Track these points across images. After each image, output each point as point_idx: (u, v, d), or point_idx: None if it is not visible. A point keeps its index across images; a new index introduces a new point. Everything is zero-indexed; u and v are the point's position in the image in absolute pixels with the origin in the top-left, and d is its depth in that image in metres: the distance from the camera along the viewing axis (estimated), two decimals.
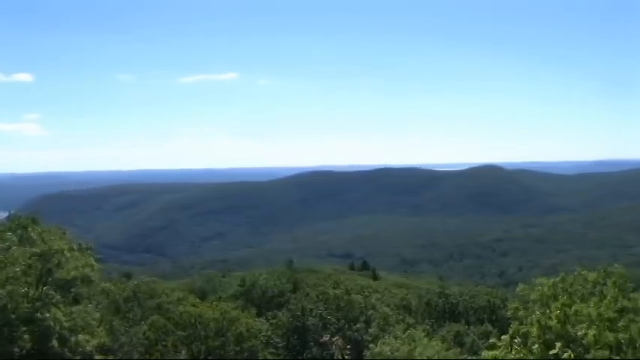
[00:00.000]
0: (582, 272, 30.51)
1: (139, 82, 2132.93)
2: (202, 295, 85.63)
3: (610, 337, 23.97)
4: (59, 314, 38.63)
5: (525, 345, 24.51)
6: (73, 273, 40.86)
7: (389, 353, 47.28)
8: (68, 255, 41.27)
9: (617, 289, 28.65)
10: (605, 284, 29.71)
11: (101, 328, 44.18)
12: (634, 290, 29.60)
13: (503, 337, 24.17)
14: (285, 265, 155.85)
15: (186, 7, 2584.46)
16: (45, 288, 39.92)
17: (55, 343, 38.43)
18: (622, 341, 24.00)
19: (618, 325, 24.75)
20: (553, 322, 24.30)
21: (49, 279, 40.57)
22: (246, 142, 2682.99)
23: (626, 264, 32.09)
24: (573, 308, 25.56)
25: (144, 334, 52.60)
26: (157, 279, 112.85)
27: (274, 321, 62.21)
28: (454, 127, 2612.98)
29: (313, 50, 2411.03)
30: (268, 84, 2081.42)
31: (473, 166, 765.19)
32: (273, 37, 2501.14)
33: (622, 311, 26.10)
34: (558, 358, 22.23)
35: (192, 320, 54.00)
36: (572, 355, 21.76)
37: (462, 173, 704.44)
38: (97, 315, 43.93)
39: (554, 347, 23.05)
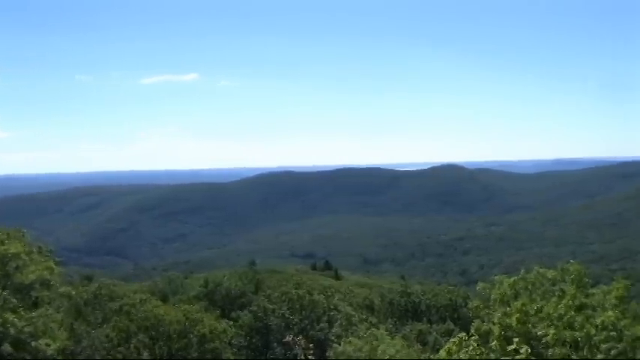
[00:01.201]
0: (541, 270, 30.83)
1: (99, 83, 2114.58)
2: (164, 297, 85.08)
3: (568, 335, 24.25)
4: (11, 318, 38.03)
5: (487, 343, 24.71)
6: (32, 277, 40.43)
7: (352, 352, 47.39)
8: (27, 258, 40.82)
9: (575, 287, 29.02)
10: (563, 281, 30.05)
11: (62, 332, 43.75)
12: (593, 286, 29.99)
13: (460, 335, 24.35)
14: (248, 266, 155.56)
15: (146, 8, 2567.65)
16: (4, 293, 39.41)
17: (7, 347, 37.92)
18: (579, 339, 24.30)
19: (576, 323, 25.07)
20: (514, 322, 24.54)
21: (8, 283, 40.08)
22: (207, 143, 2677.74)
23: (585, 261, 32.54)
24: (534, 307, 25.83)
25: (106, 336, 52.22)
26: (119, 281, 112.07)
27: (237, 322, 62.07)
28: (415, 127, 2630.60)
29: (274, 51, 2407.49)
30: (230, 85, 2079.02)
31: (434, 165, 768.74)
32: (234, 38, 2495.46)
33: (580, 308, 26.42)
34: (517, 352, 22.42)
35: (155, 322, 53.70)
36: (529, 351, 21.95)
37: (424, 173, 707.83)
38: (58, 318, 43.51)
39: (512, 343, 23.29)
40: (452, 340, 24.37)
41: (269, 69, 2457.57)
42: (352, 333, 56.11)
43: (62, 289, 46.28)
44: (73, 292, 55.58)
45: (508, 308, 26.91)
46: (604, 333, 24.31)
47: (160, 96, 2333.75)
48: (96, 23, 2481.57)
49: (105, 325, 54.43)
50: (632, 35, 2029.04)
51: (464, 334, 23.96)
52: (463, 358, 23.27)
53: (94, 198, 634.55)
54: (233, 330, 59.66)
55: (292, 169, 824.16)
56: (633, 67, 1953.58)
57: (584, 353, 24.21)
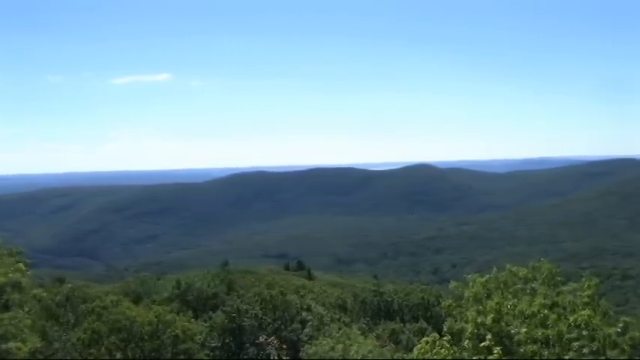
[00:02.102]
0: (513, 269, 31.03)
1: (69, 84, 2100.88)
2: (137, 298, 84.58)
3: (541, 333, 24.44)
4: None
5: (459, 341, 24.85)
6: (2, 279, 40.07)
7: (325, 352, 47.46)
8: None
9: (546, 285, 29.27)
10: (535, 280, 30.28)
11: (34, 334, 43.42)
12: (564, 284, 30.24)
13: (432, 335, 24.47)
14: (221, 267, 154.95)
15: (117, 8, 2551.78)
16: None
17: None
18: (550, 337, 24.49)
19: (548, 321, 25.26)
20: (488, 321, 24.68)
21: None
22: (180, 143, 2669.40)
23: (556, 259, 32.81)
24: (507, 305, 26.01)
25: (78, 339, 51.88)
26: (91, 283, 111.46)
27: (210, 323, 61.90)
28: (386, 126, 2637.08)
29: (247, 51, 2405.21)
30: (201, 85, 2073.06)
31: (406, 165, 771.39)
32: (207, 38, 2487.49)
33: (552, 307, 26.63)
34: (490, 351, 22.57)
35: (127, 324, 53.42)
36: (501, 353, 22.13)
37: (395, 173, 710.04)
38: (29, 321, 43.16)
39: (485, 340, 23.43)
40: (424, 339, 24.49)
41: (241, 69, 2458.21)
42: (325, 333, 56.17)
43: (33, 292, 45.94)
44: (45, 294, 55.21)
45: (480, 306, 27.06)
46: (576, 331, 24.52)
47: (131, 96, 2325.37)
48: (66, 23, 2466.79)
49: (77, 328, 54.08)
50: (600, 35, 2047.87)
51: (436, 334, 24.08)
52: (436, 358, 23.40)
53: (65, 199, 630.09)
54: (206, 331, 59.49)
55: (265, 169, 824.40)
56: (603, 67, 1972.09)
57: (556, 351, 24.41)
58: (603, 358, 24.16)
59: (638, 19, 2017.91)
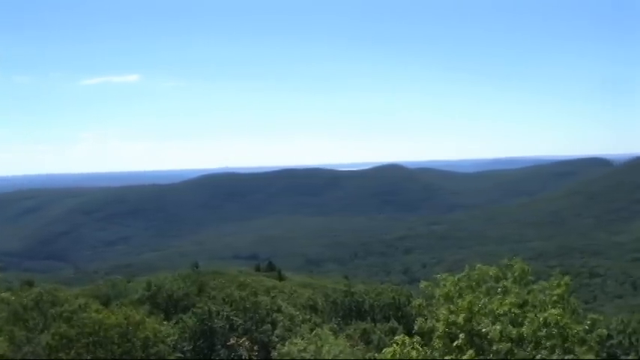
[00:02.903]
0: (484, 268, 31.23)
1: (38, 84, 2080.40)
2: (107, 301, 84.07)
3: (513, 331, 24.62)
4: None
5: (430, 340, 24.96)
6: None
7: (296, 353, 47.46)
8: None
9: (517, 284, 29.50)
10: (505, 278, 30.50)
11: (2, 339, 43.08)
12: (533, 282, 30.53)
13: (402, 335, 24.55)
14: (191, 268, 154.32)
15: (85, 8, 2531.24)
16: None
17: None
18: (524, 335, 24.68)
19: (520, 319, 25.47)
20: (460, 320, 24.81)
21: None
22: (150, 144, 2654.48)
23: (525, 258, 33.03)
24: (479, 304, 26.16)
25: (47, 343, 51.48)
26: (60, 286, 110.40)
27: (181, 324, 61.68)
28: (356, 127, 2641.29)
29: (217, 51, 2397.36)
30: (172, 85, 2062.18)
31: (375, 165, 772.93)
32: (176, 39, 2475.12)
33: (523, 305, 26.86)
34: (461, 350, 22.70)
35: (97, 327, 53.05)
36: (473, 355, 22.27)
37: (365, 173, 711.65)
38: None
39: (457, 339, 23.56)
40: (396, 338, 24.56)
41: (211, 70, 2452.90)
42: (296, 334, 56.19)
43: (1, 295, 45.61)
44: (13, 298, 54.78)
45: (451, 305, 27.21)
46: (546, 330, 24.74)
47: (101, 97, 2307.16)
48: (34, 23, 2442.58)
49: (46, 331, 53.66)
50: (566, 36, 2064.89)
51: (406, 336, 24.14)
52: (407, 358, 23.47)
53: (33, 201, 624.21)
54: (177, 333, 59.27)
55: (235, 171, 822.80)
56: (569, 68, 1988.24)
57: (529, 349, 24.62)
58: (571, 356, 24.40)
59: (606, 19, 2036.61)
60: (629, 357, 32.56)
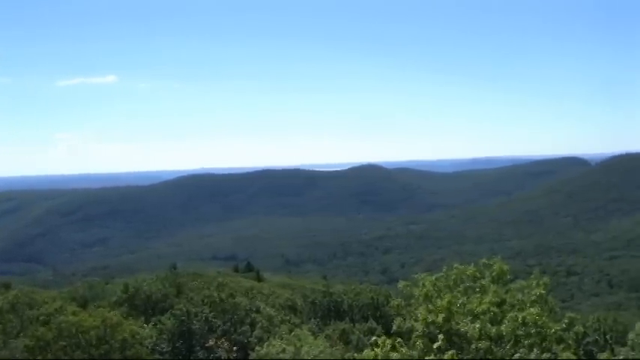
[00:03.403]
0: (461, 267, 31.32)
1: (13, 85, 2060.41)
2: (85, 303, 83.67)
3: (492, 330, 24.70)
4: None
5: (409, 340, 24.98)
6: None
7: (275, 354, 47.43)
8: None
9: (496, 283, 29.61)
10: (483, 278, 30.60)
11: None
12: (511, 281, 30.66)
13: (383, 337, 24.55)
14: (169, 270, 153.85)
15: (61, 9, 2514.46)
16: None
17: None
18: (503, 334, 24.77)
19: (499, 318, 25.58)
20: (439, 319, 24.86)
21: None
22: (127, 145, 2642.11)
23: (504, 257, 33.10)
24: (457, 303, 26.23)
25: (24, 345, 51.15)
26: (37, 288, 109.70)
27: (159, 326, 61.49)
28: (334, 127, 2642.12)
29: (194, 52, 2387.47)
30: (148, 87, 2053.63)
31: (354, 165, 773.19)
32: (153, 40, 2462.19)
33: (501, 304, 26.96)
34: (441, 350, 22.73)
35: (73, 329, 52.75)
36: (454, 356, 22.31)
37: (343, 173, 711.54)
38: None
39: (437, 340, 23.58)
40: (374, 339, 24.55)
41: (188, 70, 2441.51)
42: (275, 334, 56.19)
43: None
44: None
45: (430, 305, 27.26)
46: (524, 329, 24.86)
47: (77, 98, 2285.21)
48: (8, 24, 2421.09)
49: (23, 334, 53.33)
50: (541, 34, 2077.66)
51: (386, 338, 24.13)
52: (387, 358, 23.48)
53: (10, 203, 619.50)
54: (155, 335, 59.10)
55: (213, 171, 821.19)
56: (544, 67, 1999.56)
57: (508, 348, 24.72)
58: (549, 354, 24.52)
59: (582, 18, 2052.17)
60: (604, 354, 32.82)
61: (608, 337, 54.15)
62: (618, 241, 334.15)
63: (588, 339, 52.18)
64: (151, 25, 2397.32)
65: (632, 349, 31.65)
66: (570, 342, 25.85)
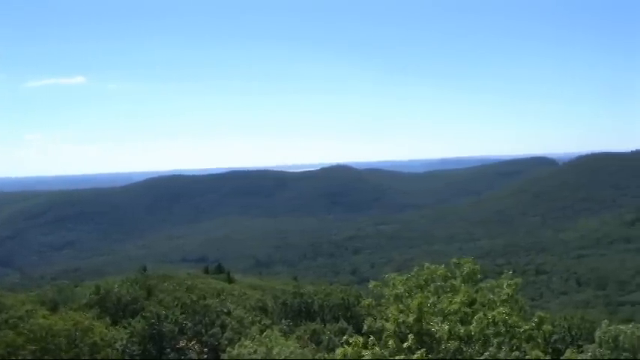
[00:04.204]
0: (432, 267, 31.50)
1: None
2: (54, 307, 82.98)
3: (461, 330, 24.88)
4: None
5: (380, 340, 25.10)
6: None
7: (246, 355, 47.41)
8: None
9: (466, 283, 29.84)
10: (454, 278, 30.81)
11: None
12: (481, 281, 30.92)
13: (355, 336, 24.66)
14: (139, 272, 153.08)
15: (28, 9, 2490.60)
16: None
17: None
18: (473, 333, 24.96)
19: (468, 318, 25.78)
20: (410, 320, 24.99)
21: None
22: (96, 147, 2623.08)
23: (474, 257, 33.41)
24: (428, 303, 26.38)
25: None
26: (5, 292, 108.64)
27: (129, 329, 61.22)
28: (304, 128, 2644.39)
29: (162, 53, 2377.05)
30: (117, 88, 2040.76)
31: (323, 166, 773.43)
32: (121, 41, 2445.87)
33: (472, 304, 27.17)
34: (411, 350, 22.87)
35: (43, 333, 52.37)
36: (424, 355, 22.46)
37: (314, 174, 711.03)
38: None
39: (407, 340, 23.71)
40: (347, 338, 24.64)
41: (157, 72, 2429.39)
42: (245, 336, 56.15)
43: None
44: None
45: (401, 305, 27.39)
46: (494, 328, 25.07)
47: (46, 99, 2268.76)
48: None
49: None
50: (508, 35, 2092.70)
51: (358, 338, 24.24)
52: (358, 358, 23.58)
53: None
54: (126, 337, 58.82)
55: (183, 172, 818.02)
56: (513, 68, 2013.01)
57: (477, 347, 24.91)
58: (518, 352, 24.75)
59: (546, 17, 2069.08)
60: (571, 351, 33.28)
61: (575, 334, 54.75)
62: (586, 240, 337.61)
63: (556, 337, 52.72)
64: (119, 25, 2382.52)
65: (600, 346, 32.10)
66: (539, 340, 26.10)
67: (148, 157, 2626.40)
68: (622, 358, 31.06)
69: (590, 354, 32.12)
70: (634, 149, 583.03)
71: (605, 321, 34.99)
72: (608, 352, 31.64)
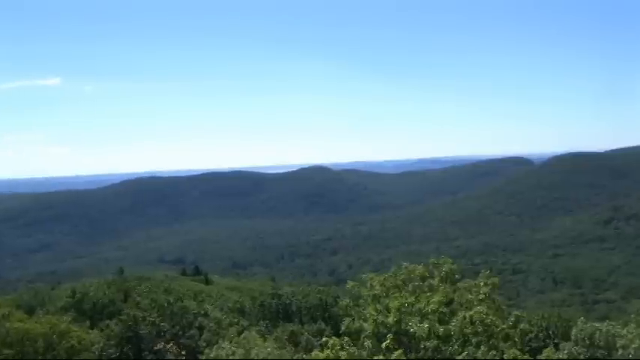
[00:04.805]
0: (410, 267, 31.59)
1: None
2: (31, 310, 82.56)
3: (440, 329, 24.99)
4: None
5: (358, 340, 25.16)
6: None
7: (224, 357, 47.32)
8: None
9: (444, 283, 29.96)
10: (432, 277, 30.92)
11: None
12: (458, 281, 31.05)
13: (334, 337, 24.70)
14: (116, 274, 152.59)
15: (4, 11, 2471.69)
16: None
17: None
18: (451, 333, 25.07)
19: (447, 317, 25.90)
20: (389, 320, 25.05)
21: None
22: (72, 149, 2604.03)
23: (451, 256, 33.56)
24: (407, 303, 26.45)
25: None
26: None
27: (107, 331, 60.94)
28: (281, 129, 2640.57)
29: (138, 54, 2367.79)
30: (93, 89, 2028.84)
31: (301, 167, 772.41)
32: (98, 42, 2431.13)
33: (450, 303, 27.29)
34: (390, 350, 22.94)
35: (19, 337, 52.02)
36: (402, 355, 22.53)
37: (290, 175, 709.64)
38: None
39: (385, 340, 23.78)
40: (325, 340, 24.69)
41: (133, 73, 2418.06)
42: (223, 337, 56.07)
43: None
44: None
45: (378, 305, 27.47)
46: (472, 327, 25.20)
47: (21, 101, 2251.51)
48: None
49: None
50: (485, 34, 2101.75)
51: (336, 339, 24.29)
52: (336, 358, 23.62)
53: None
54: (103, 340, 58.57)
55: (160, 174, 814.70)
56: (489, 68, 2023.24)
57: (456, 347, 25.02)
58: (496, 351, 24.89)
59: (518, 18, 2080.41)
60: (548, 350, 33.57)
61: (552, 333, 55.08)
62: (561, 239, 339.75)
63: (533, 336, 53.04)
64: (95, 27, 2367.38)
65: (576, 344, 32.38)
66: (516, 339, 26.27)
67: (124, 159, 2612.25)
68: (597, 355, 31.35)
69: (566, 352, 32.37)
70: (608, 149, 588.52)
71: (582, 319, 35.27)
72: (584, 349, 31.93)
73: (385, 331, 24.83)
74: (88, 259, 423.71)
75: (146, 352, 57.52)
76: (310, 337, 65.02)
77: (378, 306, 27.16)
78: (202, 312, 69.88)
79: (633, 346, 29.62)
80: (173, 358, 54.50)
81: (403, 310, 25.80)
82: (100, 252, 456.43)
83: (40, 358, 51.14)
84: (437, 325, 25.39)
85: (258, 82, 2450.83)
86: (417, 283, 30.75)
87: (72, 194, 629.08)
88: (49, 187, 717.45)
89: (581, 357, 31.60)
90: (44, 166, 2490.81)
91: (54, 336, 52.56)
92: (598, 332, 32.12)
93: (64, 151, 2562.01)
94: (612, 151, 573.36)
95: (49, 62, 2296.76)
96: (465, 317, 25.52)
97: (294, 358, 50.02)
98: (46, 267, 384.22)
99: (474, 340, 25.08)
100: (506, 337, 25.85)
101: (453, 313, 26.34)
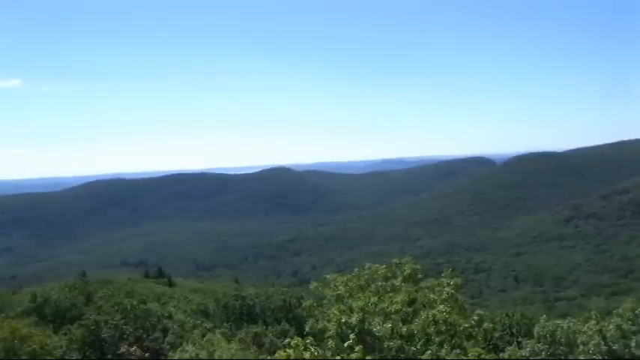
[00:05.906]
0: (373, 267, 31.72)
1: None
2: None
3: (403, 329, 25.10)
4: None
5: (322, 340, 25.20)
6: None
7: (189, 359, 47.21)
8: None
9: (407, 282, 30.12)
10: (395, 277, 31.07)
11: None
12: (421, 280, 31.24)
13: (296, 338, 24.72)
14: (78, 277, 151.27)
15: None
16: None
17: None
18: (414, 332, 25.20)
19: (410, 317, 26.03)
20: (353, 320, 25.12)
21: None
22: (31, 151, 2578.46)
23: (414, 256, 33.81)
24: (370, 303, 26.55)
25: None
26: None
27: (69, 336, 60.42)
28: (243, 130, 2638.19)
29: (99, 55, 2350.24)
30: (53, 90, 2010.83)
31: (264, 168, 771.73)
32: (56, 43, 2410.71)
33: (413, 303, 27.43)
34: (352, 350, 23.00)
35: None
36: (361, 352, 22.58)
37: (254, 176, 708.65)
38: None
39: (348, 339, 23.84)
40: (288, 341, 24.69)
41: (94, 73, 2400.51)
42: (187, 340, 55.92)
43: None
44: None
45: (342, 305, 27.54)
46: (435, 326, 25.37)
47: None
48: None
49: None
50: (454, 34, 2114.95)
51: (299, 339, 24.30)
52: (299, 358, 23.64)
53: None
54: (65, 344, 58.05)
55: (122, 176, 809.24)
56: (451, 68, 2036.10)
57: (419, 346, 25.15)
58: (459, 350, 25.07)
59: (480, 15, 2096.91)
60: (511, 348, 33.99)
61: (516, 331, 55.61)
62: (523, 238, 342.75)
63: (495, 334, 53.50)
64: (54, 27, 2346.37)
65: (538, 342, 32.75)
66: (479, 338, 26.50)
67: (84, 160, 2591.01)
68: (559, 352, 31.71)
69: (529, 349, 32.72)
70: (569, 149, 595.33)
71: (544, 317, 35.64)
72: (546, 347, 32.26)
73: (349, 331, 24.89)
74: (49, 262, 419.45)
75: (109, 356, 57.15)
76: (274, 338, 65.02)
77: (341, 306, 27.22)
78: (166, 314, 69.59)
79: (593, 342, 30.04)
80: None
81: (366, 310, 25.87)
82: (61, 255, 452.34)
83: None
84: (400, 324, 25.51)
85: (223, 81, 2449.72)
86: (380, 284, 30.89)
87: (31, 197, 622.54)
88: (7, 191, 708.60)
89: (543, 354, 31.96)
90: (3, 168, 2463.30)
91: (15, 341, 52.01)
92: (559, 329, 32.47)
93: (22, 153, 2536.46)
94: (571, 150, 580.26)
95: (9, 64, 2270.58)
96: (427, 316, 25.68)
97: (258, 359, 50.03)
98: (6, 271, 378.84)
99: (436, 340, 25.24)
100: (470, 336, 26.05)
101: (416, 313, 26.48)
